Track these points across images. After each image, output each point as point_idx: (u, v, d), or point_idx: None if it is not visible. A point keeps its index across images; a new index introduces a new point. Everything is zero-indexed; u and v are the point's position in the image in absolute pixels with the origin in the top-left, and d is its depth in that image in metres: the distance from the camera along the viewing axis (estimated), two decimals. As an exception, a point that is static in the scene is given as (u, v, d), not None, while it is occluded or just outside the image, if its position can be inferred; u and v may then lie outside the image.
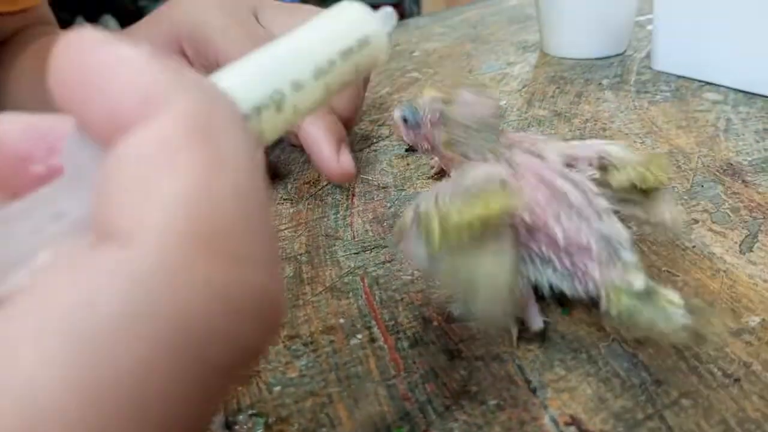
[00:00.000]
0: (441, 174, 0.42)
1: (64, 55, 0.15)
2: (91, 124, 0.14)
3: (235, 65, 0.18)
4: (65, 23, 0.42)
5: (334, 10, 0.20)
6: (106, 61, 0.14)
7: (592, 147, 0.28)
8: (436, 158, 0.38)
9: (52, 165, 0.17)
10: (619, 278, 0.24)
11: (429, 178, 0.42)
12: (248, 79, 0.17)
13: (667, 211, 0.27)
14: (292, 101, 0.18)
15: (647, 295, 0.24)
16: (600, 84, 0.56)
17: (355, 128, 0.50)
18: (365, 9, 0.20)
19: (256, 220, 0.14)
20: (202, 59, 0.41)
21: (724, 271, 0.31)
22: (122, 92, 0.14)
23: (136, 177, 0.13)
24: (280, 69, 0.18)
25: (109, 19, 1.95)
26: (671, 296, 0.24)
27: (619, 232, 0.25)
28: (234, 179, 0.14)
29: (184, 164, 0.13)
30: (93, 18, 1.89)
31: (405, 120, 0.33)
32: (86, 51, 0.14)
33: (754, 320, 0.28)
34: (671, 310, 0.23)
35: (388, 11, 0.20)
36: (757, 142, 0.43)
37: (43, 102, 0.16)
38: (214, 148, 0.14)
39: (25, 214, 0.15)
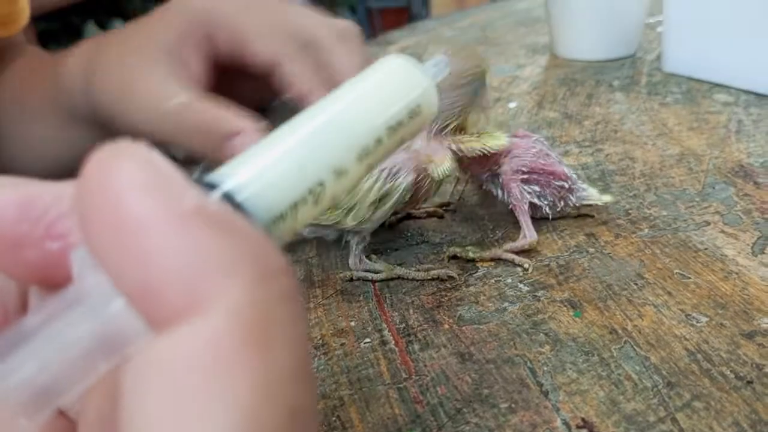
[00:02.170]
0: None
1: (92, 188, 0.12)
2: (121, 287, 0.12)
3: (274, 149, 0.15)
4: (75, 28, 0.42)
5: (379, 69, 0.17)
6: (142, 221, 0.12)
7: None
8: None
9: (47, 250, 0.15)
10: None
11: None
12: (288, 171, 0.15)
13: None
14: (332, 191, 0.16)
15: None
16: (611, 86, 0.56)
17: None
18: (414, 66, 0.17)
19: None
20: (228, 50, 0.40)
21: (737, 273, 0.31)
22: (161, 269, 0.12)
23: (175, 402, 0.11)
24: (322, 156, 0.15)
25: (119, 24, 1.96)
26: None
27: None
28: (291, 402, 0.12)
29: (234, 386, 0.11)
30: (103, 23, 1.91)
31: None
32: (116, 195, 0.12)
33: (766, 322, 0.28)
34: None
35: (440, 61, 0.18)
36: (769, 143, 0.43)
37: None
38: (270, 358, 0.12)
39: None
